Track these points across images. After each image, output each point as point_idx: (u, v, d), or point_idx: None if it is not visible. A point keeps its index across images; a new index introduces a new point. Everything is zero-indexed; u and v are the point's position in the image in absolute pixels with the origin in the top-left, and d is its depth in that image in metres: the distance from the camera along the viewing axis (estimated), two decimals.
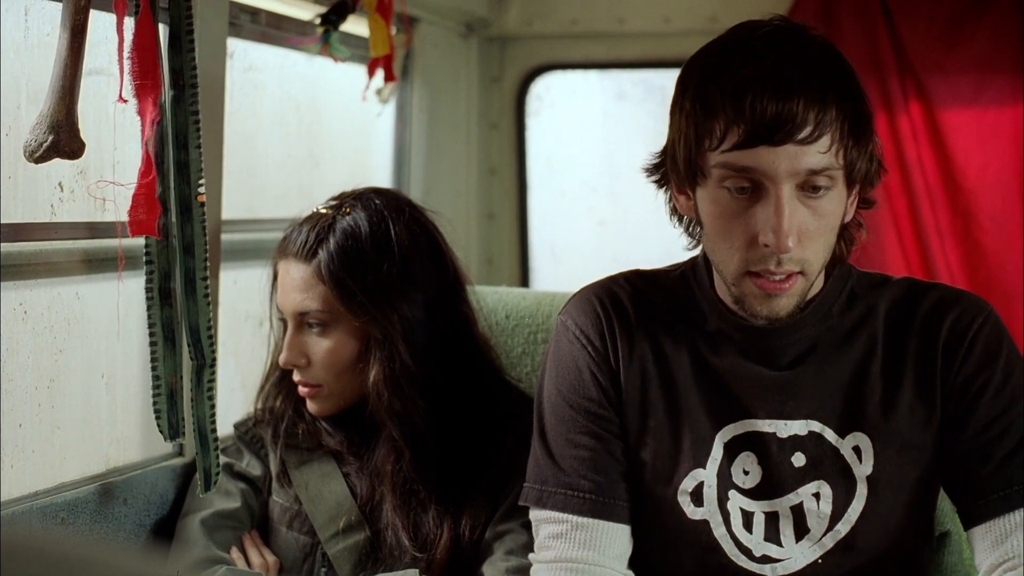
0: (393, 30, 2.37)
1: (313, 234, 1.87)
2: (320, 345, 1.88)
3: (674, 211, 1.59)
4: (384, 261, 1.86)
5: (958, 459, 1.53)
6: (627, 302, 1.62)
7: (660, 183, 1.58)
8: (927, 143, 2.78)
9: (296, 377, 1.91)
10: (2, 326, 1.72)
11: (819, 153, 1.41)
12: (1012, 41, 2.68)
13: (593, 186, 3.21)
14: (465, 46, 3.03)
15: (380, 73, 2.39)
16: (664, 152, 1.55)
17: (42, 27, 1.76)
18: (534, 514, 1.62)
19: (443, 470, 1.85)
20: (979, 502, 1.51)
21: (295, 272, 1.88)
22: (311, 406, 1.93)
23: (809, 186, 1.43)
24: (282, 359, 1.90)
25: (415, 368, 1.85)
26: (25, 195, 1.78)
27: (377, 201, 1.91)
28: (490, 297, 2.11)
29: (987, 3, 2.72)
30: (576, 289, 2.12)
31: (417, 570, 1.80)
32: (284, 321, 1.93)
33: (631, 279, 1.66)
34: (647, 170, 1.58)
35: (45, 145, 1.52)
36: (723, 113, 1.41)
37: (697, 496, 1.57)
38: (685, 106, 1.47)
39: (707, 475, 1.57)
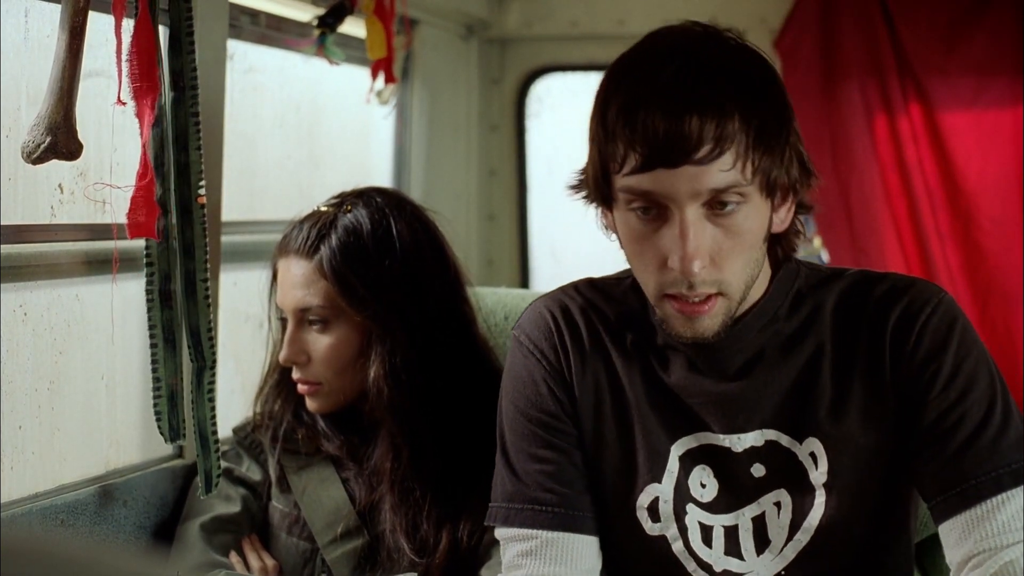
0: (394, 31, 2.37)
1: (315, 231, 1.88)
2: (320, 342, 1.88)
3: (606, 226, 1.54)
4: (386, 258, 1.86)
5: (914, 456, 1.46)
6: (578, 315, 1.58)
7: (587, 200, 1.52)
8: (927, 145, 2.78)
9: (295, 375, 1.91)
10: (2, 328, 1.72)
11: (721, 172, 1.33)
12: (1012, 43, 2.68)
13: None
14: (465, 48, 3.03)
15: (381, 74, 2.39)
16: (583, 172, 1.50)
17: (42, 28, 1.76)
18: (501, 532, 1.57)
19: (441, 471, 1.84)
20: (939, 499, 1.43)
21: (296, 269, 1.88)
22: (310, 404, 1.92)
23: (716, 203, 1.35)
24: (282, 356, 1.90)
25: (416, 365, 1.85)
26: (25, 197, 1.78)
27: (378, 199, 1.92)
28: (490, 298, 2.11)
29: (987, 5, 2.72)
30: None
31: (416, 574, 1.80)
32: (283, 320, 1.93)
33: (582, 290, 1.62)
34: (571, 188, 1.53)
35: (43, 146, 1.52)
36: (621, 135, 1.36)
37: (654, 511, 1.53)
38: (592, 127, 1.43)
39: (663, 490, 1.52)
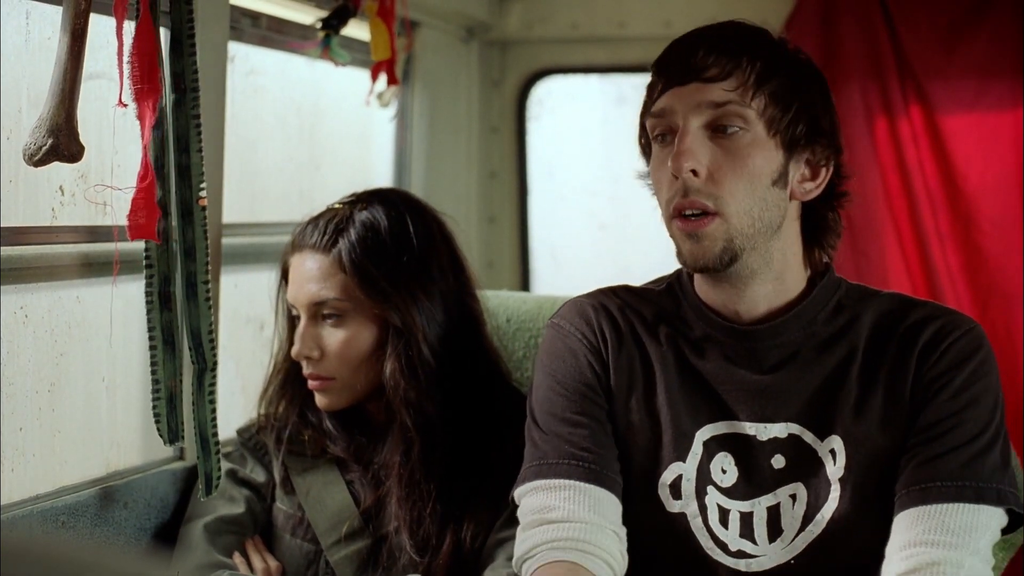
0: (395, 34, 2.37)
1: (331, 226, 1.89)
2: (335, 336, 1.88)
3: None
4: (403, 253, 1.88)
5: (903, 451, 1.54)
6: (615, 310, 1.68)
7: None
8: (928, 147, 2.78)
9: (307, 370, 1.91)
10: (3, 330, 1.72)
11: (723, 90, 1.51)
12: (1012, 45, 2.68)
13: (593, 190, 3.21)
14: (466, 50, 3.04)
15: (382, 77, 2.39)
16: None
17: (43, 31, 1.76)
18: (531, 485, 1.60)
19: (449, 469, 1.85)
20: (904, 491, 1.51)
21: (311, 263, 1.89)
22: (320, 400, 1.92)
23: (718, 126, 1.51)
24: (294, 351, 1.90)
25: (431, 361, 1.86)
26: (26, 199, 1.78)
27: (393, 198, 1.95)
28: (491, 301, 2.12)
29: (987, 7, 2.72)
30: (576, 292, 2.11)
31: (419, 575, 1.80)
32: (293, 318, 1.94)
33: (619, 292, 1.72)
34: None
35: (44, 148, 1.52)
36: (653, 78, 1.58)
37: (676, 489, 1.60)
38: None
39: (686, 469, 1.59)
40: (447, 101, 2.96)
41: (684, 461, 1.59)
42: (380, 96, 2.47)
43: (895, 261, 2.80)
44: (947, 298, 2.75)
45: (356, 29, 2.41)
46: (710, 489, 1.59)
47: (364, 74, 2.43)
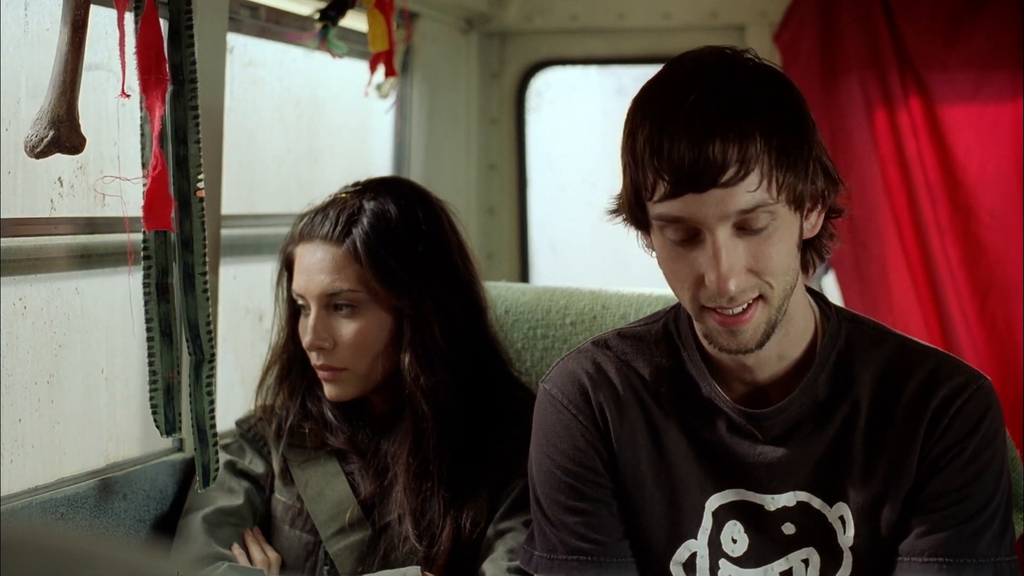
0: (394, 25, 2.36)
1: (343, 216, 1.88)
2: (348, 327, 1.87)
3: (646, 245, 1.56)
4: (417, 242, 1.88)
5: (906, 513, 1.52)
6: (613, 374, 1.61)
7: (625, 222, 1.54)
8: (927, 139, 2.77)
9: (317, 361, 1.90)
10: (2, 321, 1.72)
11: (747, 192, 1.37)
12: (1012, 37, 2.68)
13: (593, 181, 3.21)
14: (465, 41, 3.03)
15: (380, 68, 2.39)
16: (620, 197, 1.53)
17: (42, 22, 1.76)
18: None
19: (455, 457, 1.85)
20: (903, 557, 1.50)
21: (322, 254, 1.88)
22: (331, 391, 1.92)
23: (746, 223, 1.40)
24: (306, 342, 1.89)
25: (446, 349, 1.86)
26: (25, 190, 1.78)
27: (401, 187, 1.94)
28: (490, 292, 2.12)
29: None
30: (575, 284, 2.11)
31: (419, 568, 1.80)
32: (294, 309, 1.93)
33: (612, 345, 1.64)
34: (609, 212, 1.55)
35: (46, 140, 1.52)
36: (649, 164, 1.39)
37: (690, 566, 1.57)
38: (623, 157, 1.46)
39: (699, 545, 1.57)
40: (446, 92, 2.95)
41: (696, 538, 1.57)
42: (379, 87, 2.47)
43: (894, 253, 2.80)
44: (946, 290, 2.74)
45: (356, 20, 2.40)
46: (722, 563, 1.56)
47: (363, 65, 2.43)
